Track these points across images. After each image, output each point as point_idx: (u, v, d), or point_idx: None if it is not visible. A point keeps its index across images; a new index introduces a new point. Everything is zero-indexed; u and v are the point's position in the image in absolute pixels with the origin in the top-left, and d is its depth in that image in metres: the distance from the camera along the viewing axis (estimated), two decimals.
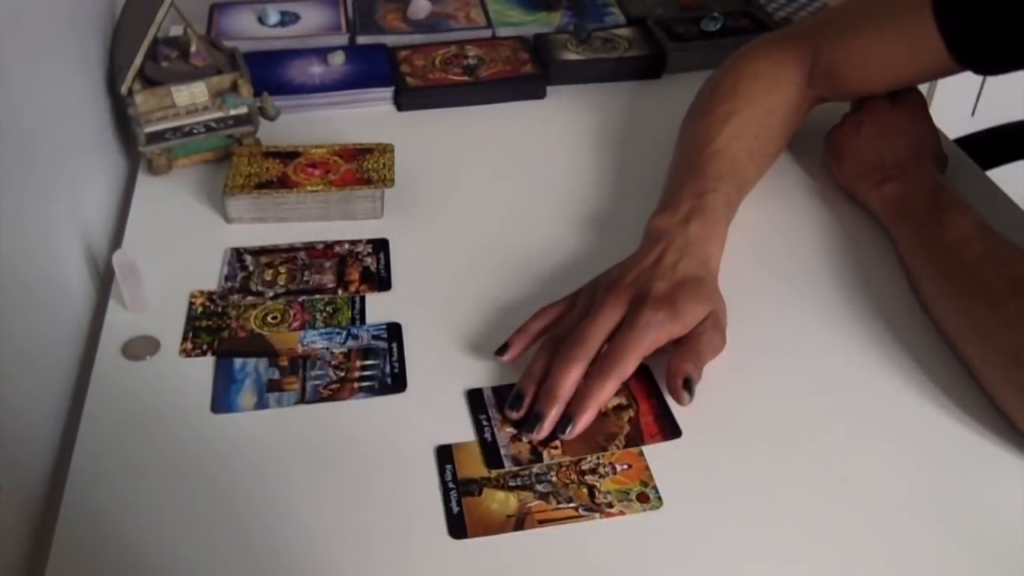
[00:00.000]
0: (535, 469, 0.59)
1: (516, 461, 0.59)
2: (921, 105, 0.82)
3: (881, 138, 0.79)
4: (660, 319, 0.62)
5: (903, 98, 0.81)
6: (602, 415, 0.62)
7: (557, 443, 0.60)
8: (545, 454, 0.59)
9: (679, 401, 0.61)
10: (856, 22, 0.79)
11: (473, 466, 0.59)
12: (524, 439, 0.60)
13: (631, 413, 0.62)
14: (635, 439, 0.60)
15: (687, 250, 0.67)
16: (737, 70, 0.81)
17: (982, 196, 0.80)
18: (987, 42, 0.73)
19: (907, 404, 0.64)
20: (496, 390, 0.64)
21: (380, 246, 0.76)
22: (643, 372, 0.65)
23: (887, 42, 0.77)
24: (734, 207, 0.74)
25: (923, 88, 0.84)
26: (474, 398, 0.63)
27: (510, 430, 0.61)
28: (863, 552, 0.55)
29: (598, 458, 0.59)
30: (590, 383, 0.60)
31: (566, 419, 0.60)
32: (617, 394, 0.63)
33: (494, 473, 0.58)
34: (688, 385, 0.61)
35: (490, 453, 0.59)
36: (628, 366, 0.61)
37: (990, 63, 0.75)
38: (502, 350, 0.64)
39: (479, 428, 0.61)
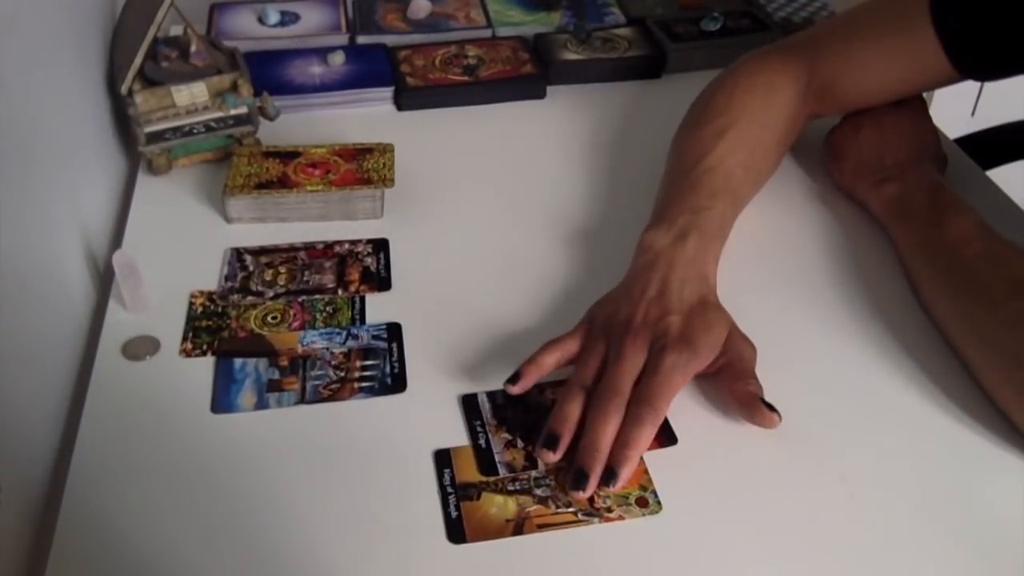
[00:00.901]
0: (533, 474, 0.59)
1: (510, 468, 0.59)
2: (921, 106, 0.82)
3: (881, 139, 0.79)
4: (684, 360, 0.61)
5: (903, 99, 0.81)
6: None
7: None
8: (540, 461, 0.59)
9: (769, 424, 0.60)
10: (855, 34, 0.79)
11: (471, 470, 0.59)
12: (516, 448, 0.60)
13: None
14: None
15: (688, 271, 0.66)
16: (732, 84, 0.80)
17: (982, 196, 0.80)
18: (987, 49, 0.73)
19: (907, 404, 0.64)
20: (491, 395, 0.63)
21: (380, 246, 0.76)
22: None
23: (887, 53, 0.77)
24: (729, 225, 0.73)
25: None
26: (469, 404, 0.63)
27: (504, 436, 0.61)
28: (863, 552, 0.55)
29: None
30: (629, 432, 0.59)
31: (609, 471, 0.57)
32: None
33: (492, 478, 0.58)
34: (767, 404, 0.60)
35: (484, 460, 0.59)
36: (662, 410, 0.60)
37: (991, 70, 0.75)
38: (513, 379, 0.62)
39: (473, 434, 0.61)
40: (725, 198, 0.72)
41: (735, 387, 0.62)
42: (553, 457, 0.59)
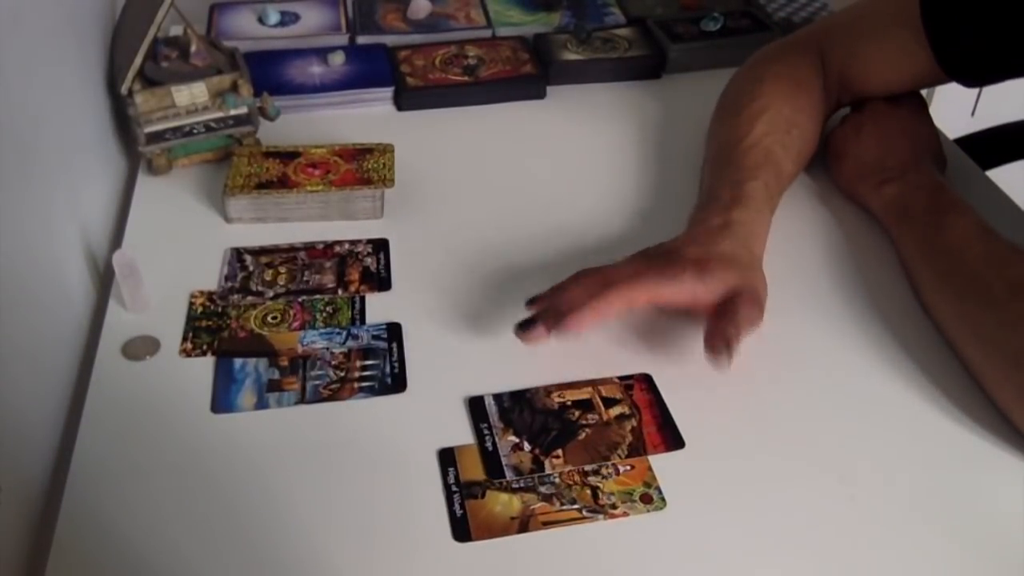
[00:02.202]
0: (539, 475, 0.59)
1: (517, 471, 0.58)
2: (921, 106, 0.82)
3: (881, 140, 0.79)
4: (686, 276, 0.63)
5: (903, 99, 0.81)
6: (604, 424, 0.61)
7: (559, 452, 0.60)
8: (547, 464, 0.59)
9: (717, 363, 0.60)
10: (856, 29, 0.81)
11: (476, 469, 0.59)
12: (523, 451, 0.60)
13: (634, 423, 0.62)
14: (638, 449, 0.60)
15: (729, 230, 0.68)
16: (758, 73, 0.82)
17: (982, 196, 0.80)
18: (975, 57, 0.74)
19: (907, 405, 0.63)
20: (497, 397, 0.63)
21: (380, 246, 0.76)
22: (647, 382, 0.65)
23: (885, 53, 0.79)
24: (775, 197, 0.74)
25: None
26: (475, 406, 0.63)
27: (511, 439, 0.61)
28: (864, 552, 0.55)
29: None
30: (593, 292, 0.62)
31: (558, 316, 0.61)
32: (620, 403, 0.63)
33: (499, 481, 0.58)
34: (727, 348, 0.60)
35: (491, 462, 0.59)
36: (637, 293, 0.62)
37: (978, 76, 0.76)
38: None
39: (480, 437, 0.61)
40: (767, 171, 0.74)
41: (712, 323, 0.63)
42: (527, 336, 0.62)
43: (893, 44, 0.78)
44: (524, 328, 0.63)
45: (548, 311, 0.63)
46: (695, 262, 0.64)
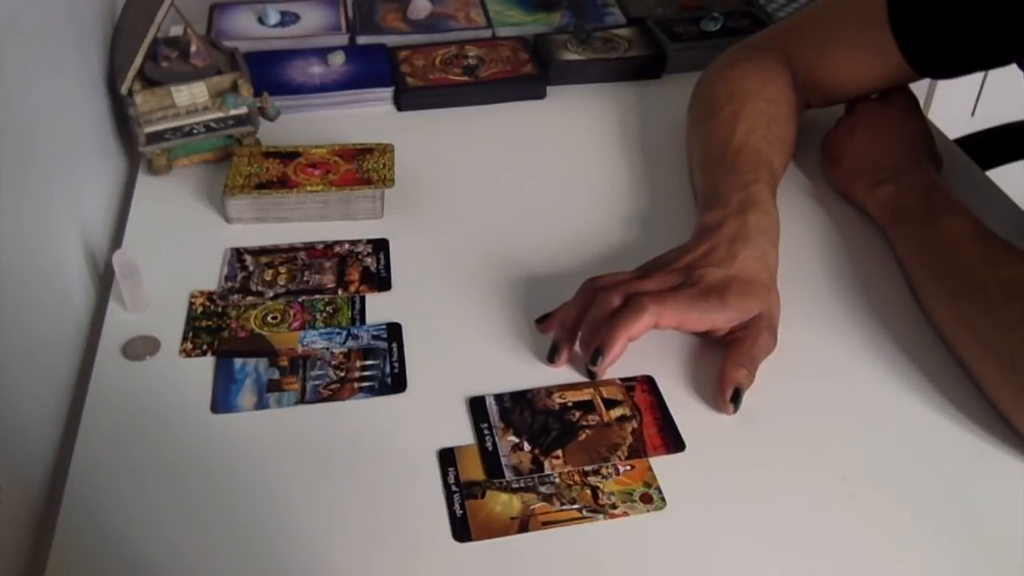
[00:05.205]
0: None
1: (517, 471, 0.58)
2: (913, 105, 0.82)
3: (875, 141, 0.79)
4: (706, 305, 0.62)
5: (895, 99, 0.81)
6: (605, 425, 0.61)
7: (559, 453, 0.59)
8: (546, 464, 0.59)
9: (725, 412, 0.62)
10: (823, 33, 0.81)
11: (476, 469, 0.58)
12: (523, 451, 0.60)
13: (634, 424, 0.62)
14: (638, 451, 0.60)
15: (748, 240, 0.67)
16: (724, 75, 0.82)
17: (982, 196, 0.80)
18: (943, 50, 0.74)
19: (906, 405, 0.63)
20: (498, 397, 0.63)
21: (380, 246, 0.76)
22: (649, 383, 0.64)
23: (853, 53, 0.79)
24: (775, 196, 0.74)
25: (923, 88, 0.85)
26: (475, 406, 0.63)
27: (511, 439, 0.60)
28: (864, 552, 0.55)
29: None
30: (622, 315, 0.61)
31: (596, 352, 0.62)
32: (621, 405, 0.63)
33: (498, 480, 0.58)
34: (736, 397, 0.61)
35: (491, 462, 0.59)
36: (667, 315, 0.61)
37: (947, 71, 0.76)
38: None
39: (480, 437, 0.60)
40: (764, 171, 0.73)
41: (729, 366, 0.63)
42: (556, 365, 0.65)
43: (860, 44, 0.78)
44: (552, 359, 0.65)
45: (566, 333, 0.64)
46: (717, 291, 0.63)
